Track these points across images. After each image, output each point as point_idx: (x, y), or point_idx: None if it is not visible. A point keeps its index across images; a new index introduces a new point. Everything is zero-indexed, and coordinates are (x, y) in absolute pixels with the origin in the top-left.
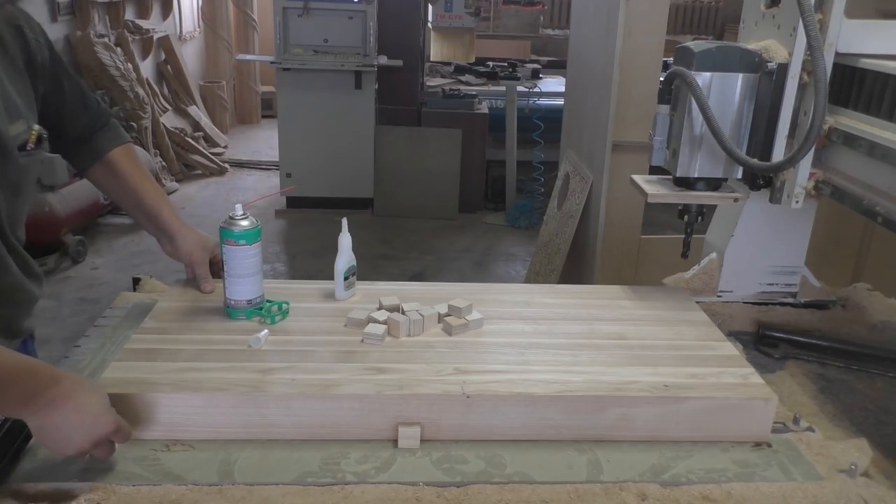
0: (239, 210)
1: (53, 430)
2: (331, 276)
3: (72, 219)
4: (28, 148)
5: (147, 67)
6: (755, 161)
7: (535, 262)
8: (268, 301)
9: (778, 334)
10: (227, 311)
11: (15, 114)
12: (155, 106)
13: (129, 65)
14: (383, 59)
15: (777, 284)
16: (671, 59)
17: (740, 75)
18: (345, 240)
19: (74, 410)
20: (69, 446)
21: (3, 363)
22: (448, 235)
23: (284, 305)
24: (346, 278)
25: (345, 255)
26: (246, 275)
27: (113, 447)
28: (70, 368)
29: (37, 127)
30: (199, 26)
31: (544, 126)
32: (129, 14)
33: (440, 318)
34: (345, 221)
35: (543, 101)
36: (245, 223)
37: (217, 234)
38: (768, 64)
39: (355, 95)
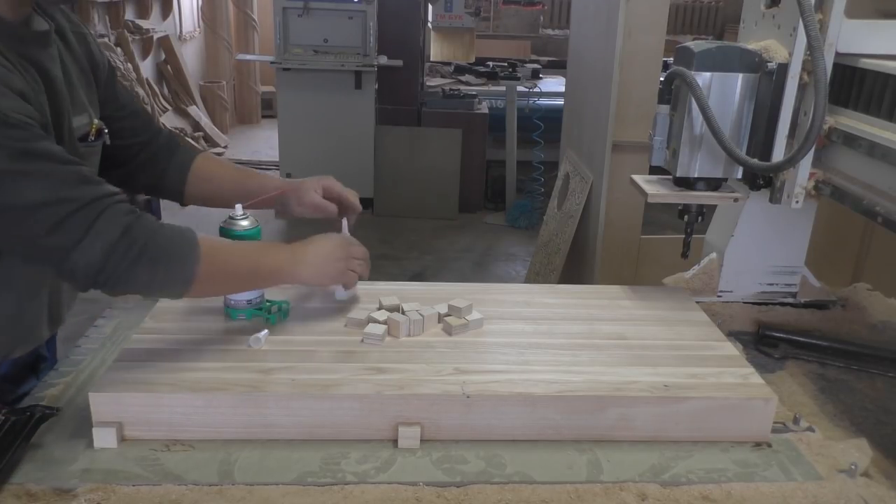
0: (239, 210)
1: (318, 268)
2: None
3: None
4: (89, 140)
5: (147, 67)
6: (755, 161)
7: (535, 262)
8: (268, 301)
9: (778, 334)
10: (228, 311)
11: (80, 107)
12: (155, 106)
13: (129, 65)
14: (383, 59)
15: (777, 284)
16: (671, 59)
17: (740, 75)
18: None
19: (316, 248)
20: (336, 271)
21: (248, 245)
22: (448, 235)
23: (284, 305)
24: None
25: None
26: None
27: (363, 256)
28: (70, 368)
29: (97, 121)
30: (199, 26)
31: (544, 126)
32: (129, 14)
33: (440, 318)
34: (345, 222)
35: (543, 101)
36: (245, 223)
37: (217, 232)
38: (768, 64)
39: (355, 95)
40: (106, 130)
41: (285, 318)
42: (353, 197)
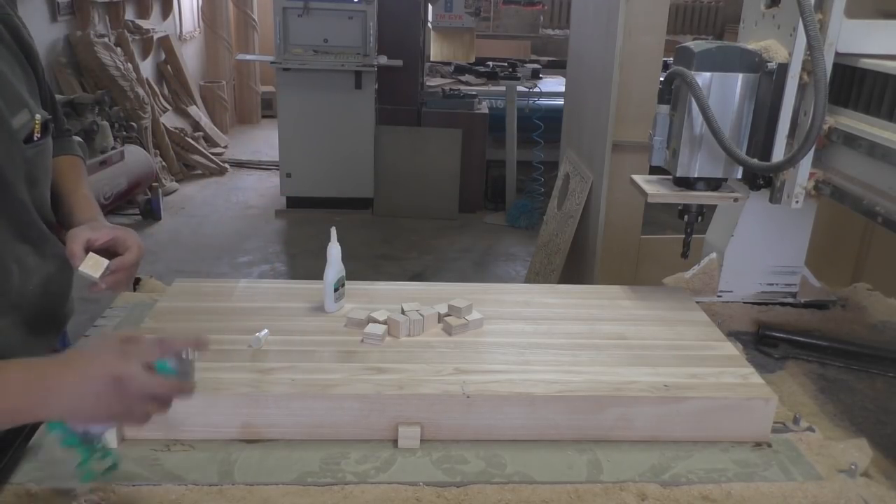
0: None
1: (80, 406)
2: None
3: None
4: (35, 139)
5: (147, 67)
6: (755, 161)
7: (535, 262)
8: (97, 445)
9: (778, 334)
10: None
11: (17, 104)
12: (155, 106)
13: (129, 65)
14: (383, 59)
15: (777, 284)
16: (671, 59)
17: (740, 75)
18: (334, 250)
19: (86, 375)
20: (111, 414)
21: None
22: (448, 235)
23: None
24: (335, 290)
25: (334, 267)
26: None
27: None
28: None
29: (39, 115)
30: (199, 26)
31: (544, 126)
32: (129, 14)
33: (440, 318)
34: (333, 231)
35: (543, 101)
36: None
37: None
38: (768, 64)
39: (355, 95)
40: (50, 121)
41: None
42: (126, 236)
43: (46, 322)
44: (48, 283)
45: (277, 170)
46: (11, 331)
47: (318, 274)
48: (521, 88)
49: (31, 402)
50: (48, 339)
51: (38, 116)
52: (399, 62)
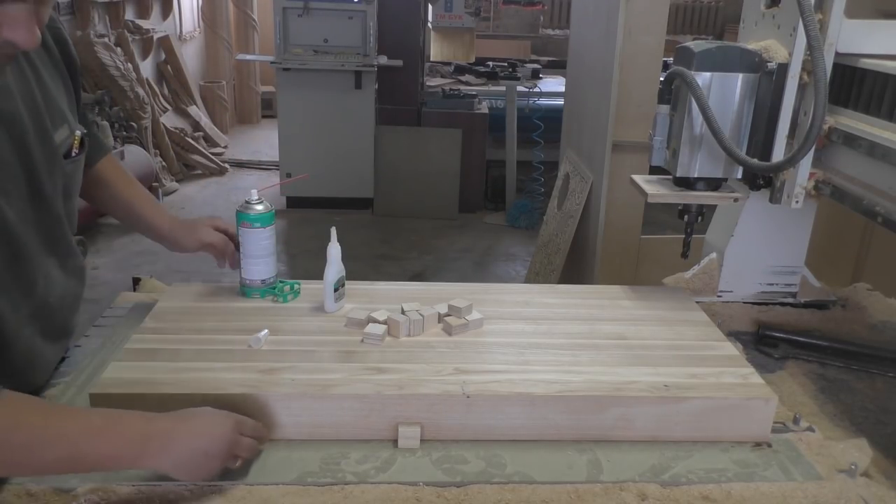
0: (255, 195)
1: (184, 462)
2: None
3: None
4: (73, 154)
5: (147, 67)
6: (755, 161)
7: (535, 262)
8: (281, 281)
9: (778, 334)
10: (242, 289)
11: (60, 120)
12: (155, 106)
13: (129, 65)
14: (383, 59)
15: (777, 284)
16: (671, 59)
17: (740, 75)
18: (334, 250)
19: (189, 435)
20: (208, 470)
21: (76, 423)
22: (448, 235)
23: (297, 286)
24: (335, 290)
25: (334, 266)
26: (260, 256)
27: (255, 444)
28: (70, 368)
29: (79, 132)
30: (199, 26)
31: (544, 126)
32: (129, 14)
33: (440, 318)
34: (333, 231)
35: (543, 101)
36: (260, 207)
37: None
38: (768, 64)
39: (355, 95)
40: (87, 136)
41: (297, 297)
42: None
43: (62, 331)
44: (66, 296)
45: (277, 170)
46: (33, 339)
47: (318, 274)
48: (521, 88)
49: (133, 451)
50: (62, 346)
51: (77, 133)
52: (399, 62)
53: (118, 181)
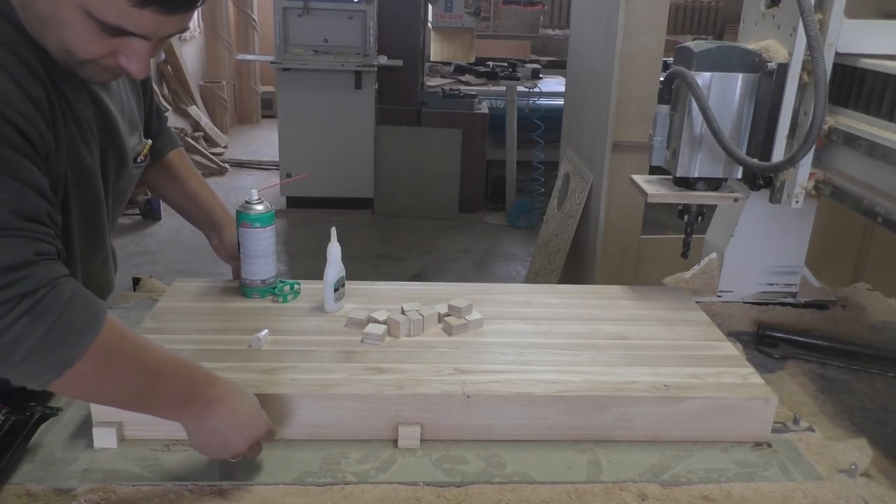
0: (255, 195)
1: (212, 433)
2: None
3: None
4: (139, 161)
5: None
6: (755, 161)
7: (535, 262)
8: (281, 281)
9: (778, 334)
10: (243, 289)
11: (134, 127)
12: None
13: None
14: (383, 59)
15: (777, 284)
16: (671, 59)
17: (740, 75)
18: (334, 250)
19: (232, 415)
20: (226, 450)
21: (161, 358)
22: (448, 235)
23: (297, 286)
24: (335, 290)
25: (334, 266)
26: (260, 255)
27: (261, 447)
28: None
29: (148, 141)
30: (199, 26)
31: (544, 126)
32: None
33: (440, 318)
34: (333, 231)
35: (543, 101)
36: (260, 207)
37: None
38: (768, 64)
39: (355, 95)
40: (148, 155)
41: (297, 297)
42: None
43: None
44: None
45: (277, 170)
46: None
47: (318, 274)
48: (521, 88)
49: (183, 416)
50: None
51: (147, 142)
52: (399, 62)
53: (186, 171)
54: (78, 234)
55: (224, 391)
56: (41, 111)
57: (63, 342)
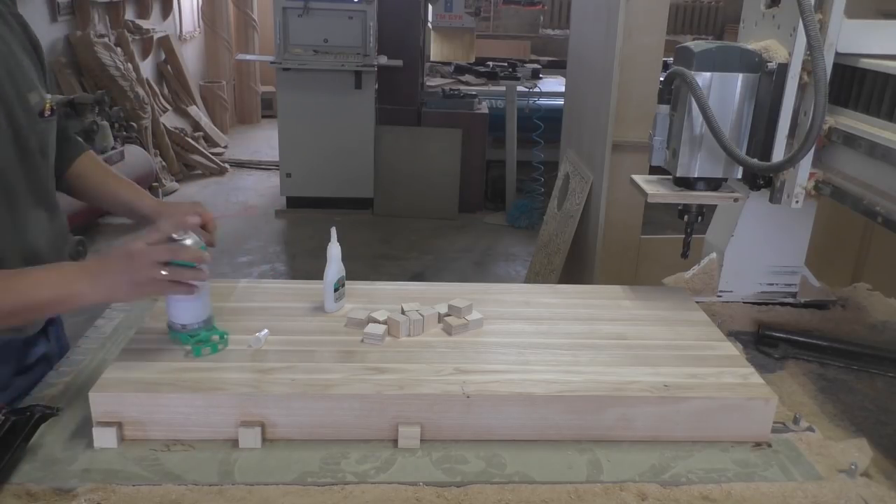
0: (181, 233)
1: (114, 286)
2: None
3: (72, 219)
4: (46, 115)
5: (147, 67)
6: (755, 161)
7: (535, 262)
8: (207, 330)
9: (778, 334)
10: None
11: (31, 86)
12: (155, 106)
13: (129, 65)
14: (383, 59)
15: (777, 284)
16: (671, 59)
17: (740, 75)
18: (334, 250)
19: (109, 265)
20: (139, 288)
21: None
22: (448, 235)
23: (226, 336)
24: (335, 290)
25: (334, 266)
26: (181, 297)
27: (188, 285)
28: (70, 368)
29: (49, 97)
30: (199, 26)
31: (544, 126)
32: (129, 14)
33: (440, 318)
34: (333, 231)
35: (543, 101)
36: (188, 242)
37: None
38: (768, 64)
39: (355, 95)
40: (56, 108)
41: (214, 353)
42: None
43: None
44: (53, 244)
45: (277, 170)
46: None
47: (318, 274)
48: (521, 88)
49: (69, 290)
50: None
51: (48, 97)
52: (399, 62)
53: (97, 172)
54: None
55: (93, 260)
56: None
57: None
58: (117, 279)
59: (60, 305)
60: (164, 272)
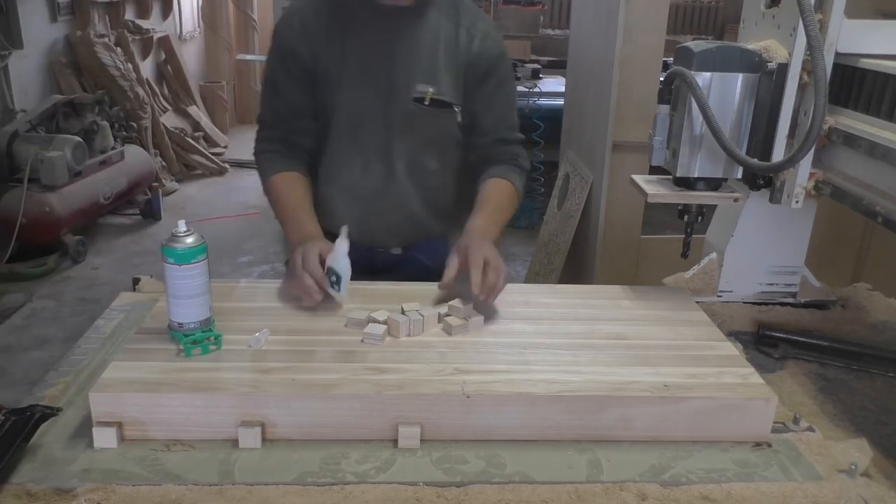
0: (182, 226)
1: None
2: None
3: (72, 219)
4: (423, 103)
5: (147, 67)
6: (755, 161)
7: (535, 262)
8: (203, 331)
9: (778, 334)
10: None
11: (429, 77)
12: (155, 106)
13: (129, 65)
14: None
15: (777, 284)
16: (671, 59)
17: (740, 75)
18: (342, 245)
19: (293, 255)
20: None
21: (285, 206)
22: None
23: (212, 346)
24: (339, 282)
25: (345, 258)
26: (178, 296)
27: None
28: (70, 368)
29: (432, 90)
30: (199, 26)
31: (544, 126)
32: (129, 14)
33: (440, 318)
34: (344, 230)
35: (543, 101)
36: (190, 240)
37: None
38: (768, 64)
39: None
40: (453, 105)
41: (205, 353)
42: None
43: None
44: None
45: None
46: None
47: None
48: (521, 88)
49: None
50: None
51: (430, 90)
52: None
53: (489, 194)
54: (336, 134)
55: (293, 247)
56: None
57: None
58: (289, 270)
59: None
60: (303, 293)
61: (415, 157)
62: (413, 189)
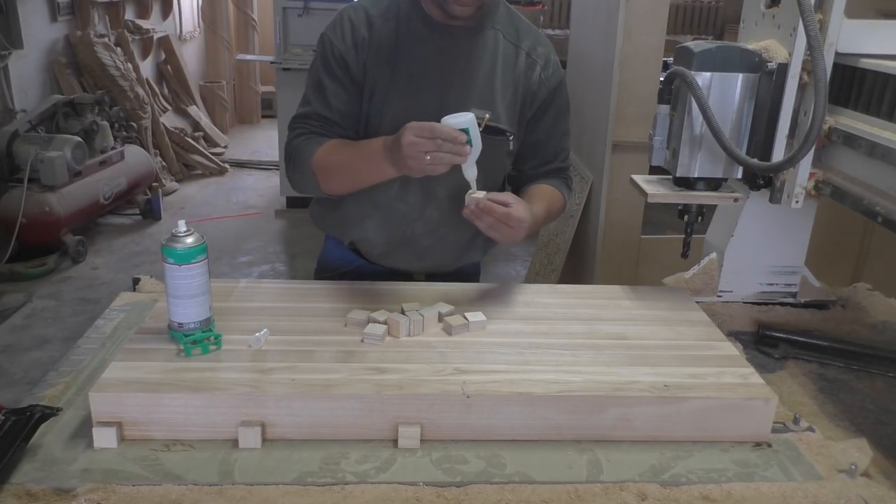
0: (182, 226)
1: (398, 167)
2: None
3: (72, 219)
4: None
5: (147, 67)
6: (755, 161)
7: (535, 262)
8: (203, 331)
9: (778, 334)
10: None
11: (482, 103)
12: (155, 106)
13: (129, 65)
14: None
15: (777, 284)
16: (671, 59)
17: (740, 75)
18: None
19: (393, 144)
20: (408, 163)
21: (347, 156)
22: None
23: (212, 346)
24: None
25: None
26: (178, 296)
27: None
28: (70, 368)
29: (488, 115)
30: (199, 26)
31: None
32: (129, 14)
33: (440, 318)
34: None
35: None
36: (190, 240)
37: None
38: (768, 64)
39: None
40: (507, 132)
41: (205, 353)
42: None
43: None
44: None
45: (277, 170)
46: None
47: None
48: None
49: (379, 167)
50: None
51: (487, 116)
52: None
53: (538, 192)
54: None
55: (383, 145)
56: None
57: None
58: (402, 165)
59: (379, 175)
60: (428, 158)
61: (458, 182)
62: (450, 215)
